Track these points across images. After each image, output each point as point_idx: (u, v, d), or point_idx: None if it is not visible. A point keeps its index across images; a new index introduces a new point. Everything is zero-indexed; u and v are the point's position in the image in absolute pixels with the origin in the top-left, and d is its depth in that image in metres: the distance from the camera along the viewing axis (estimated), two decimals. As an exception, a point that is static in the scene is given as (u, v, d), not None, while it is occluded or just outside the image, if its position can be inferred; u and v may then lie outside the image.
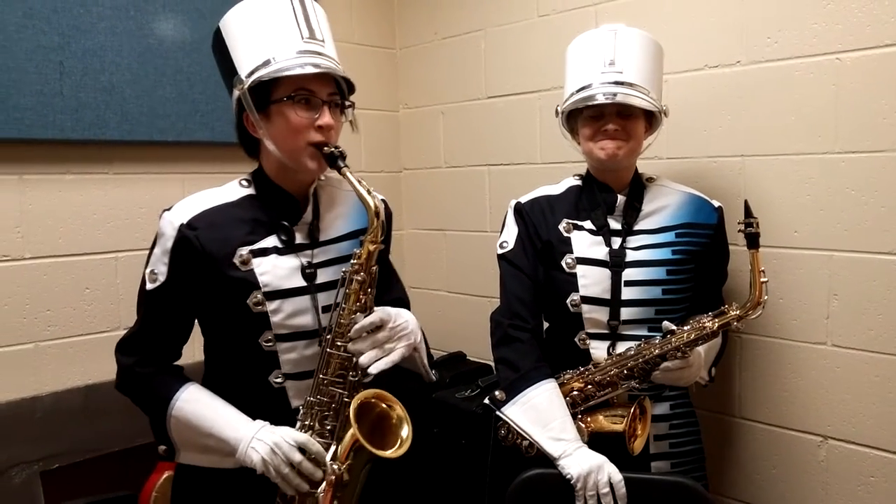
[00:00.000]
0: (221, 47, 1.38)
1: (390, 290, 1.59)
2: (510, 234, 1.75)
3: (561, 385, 1.64)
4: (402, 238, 2.89)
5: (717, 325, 1.56)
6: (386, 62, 2.85)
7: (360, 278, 1.35)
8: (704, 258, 1.71)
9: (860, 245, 1.74)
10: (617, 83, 1.61)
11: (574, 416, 1.61)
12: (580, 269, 1.66)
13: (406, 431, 1.34)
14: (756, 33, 1.87)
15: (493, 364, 2.58)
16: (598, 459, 1.51)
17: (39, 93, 1.97)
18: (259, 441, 1.30)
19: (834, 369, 1.80)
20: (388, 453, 1.31)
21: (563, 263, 1.67)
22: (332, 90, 1.37)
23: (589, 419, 1.63)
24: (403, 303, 1.59)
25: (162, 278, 1.35)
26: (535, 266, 1.71)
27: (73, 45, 2.02)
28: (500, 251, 1.76)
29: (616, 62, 1.62)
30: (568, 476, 1.50)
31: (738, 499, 2.01)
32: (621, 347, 1.64)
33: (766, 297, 1.55)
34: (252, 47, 1.34)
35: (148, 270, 1.37)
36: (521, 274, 1.71)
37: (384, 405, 1.37)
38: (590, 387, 1.63)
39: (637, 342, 1.62)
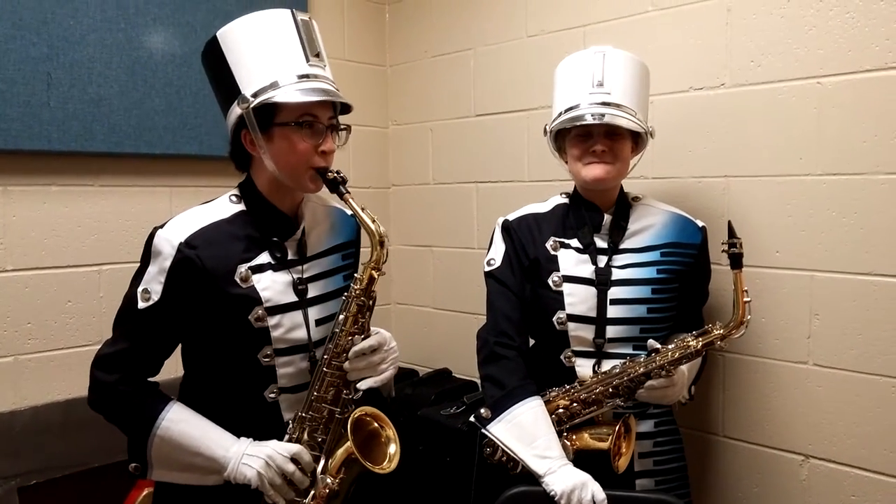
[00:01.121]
0: (220, 60, 1.37)
1: None
2: (497, 251, 1.76)
3: (546, 403, 1.64)
4: (389, 254, 2.89)
5: (701, 344, 1.58)
6: (376, 79, 2.87)
7: (359, 302, 1.39)
8: (688, 277, 1.73)
9: (841, 265, 1.76)
10: (605, 104, 1.63)
11: (559, 433, 1.61)
12: (566, 287, 1.67)
13: (394, 448, 1.38)
14: (740, 57, 1.91)
15: (478, 381, 2.58)
16: (583, 477, 1.51)
17: (26, 103, 1.96)
18: (251, 456, 1.32)
19: (815, 388, 1.82)
20: (379, 468, 1.34)
21: (550, 281, 1.68)
22: (332, 114, 1.40)
23: (574, 437, 1.64)
24: None
25: (156, 297, 1.33)
26: (521, 283, 1.72)
27: (61, 56, 2.01)
28: (487, 268, 1.76)
29: (604, 83, 1.64)
30: (552, 493, 1.49)
31: (721, 518, 2.01)
32: (606, 365, 1.64)
33: (749, 317, 1.56)
34: (257, 66, 1.34)
35: (140, 289, 1.35)
36: (507, 291, 1.71)
37: (376, 424, 1.40)
38: (575, 405, 1.63)
39: (622, 360, 1.63)
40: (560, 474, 1.51)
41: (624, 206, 1.75)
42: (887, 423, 1.72)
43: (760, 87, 1.88)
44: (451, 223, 2.70)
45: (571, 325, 1.66)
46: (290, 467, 1.31)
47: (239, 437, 1.37)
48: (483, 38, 2.54)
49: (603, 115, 1.62)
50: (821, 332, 1.81)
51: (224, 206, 1.43)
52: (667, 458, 1.73)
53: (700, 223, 1.77)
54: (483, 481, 2.19)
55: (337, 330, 1.39)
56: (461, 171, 2.65)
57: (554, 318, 1.67)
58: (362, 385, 1.38)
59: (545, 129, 1.75)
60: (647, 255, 1.69)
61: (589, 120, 1.63)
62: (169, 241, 1.33)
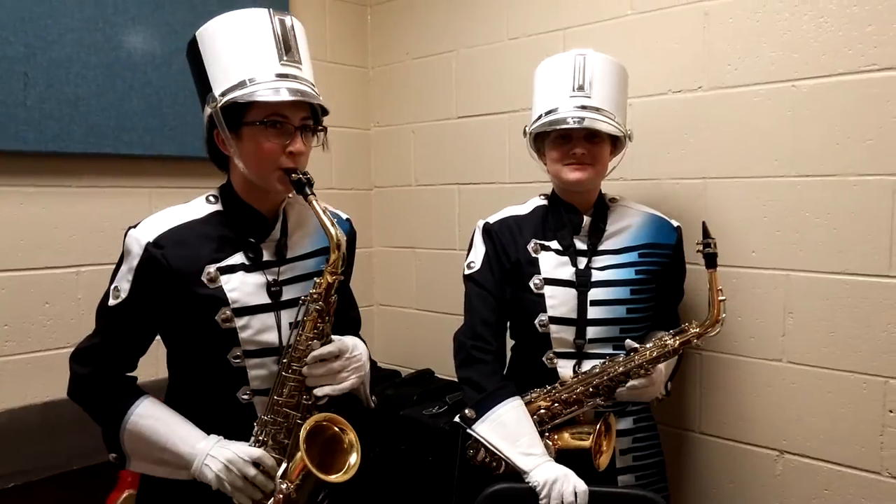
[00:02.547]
0: (196, 58, 1.37)
1: (346, 310, 1.59)
2: (477, 254, 1.76)
3: (528, 403, 1.65)
4: (371, 255, 2.90)
5: (678, 342, 1.60)
6: (358, 81, 2.87)
7: (317, 307, 1.36)
8: (664, 277, 1.75)
9: (814, 265, 1.80)
10: (584, 107, 1.65)
11: (541, 433, 1.63)
12: (548, 290, 1.68)
13: (354, 458, 1.35)
14: (717, 60, 1.94)
15: (460, 381, 2.59)
16: (564, 470, 1.53)
17: (2, 103, 1.94)
18: (212, 458, 1.32)
19: (789, 385, 1.86)
20: (332, 478, 1.32)
21: (531, 284, 1.69)
22: (306, 114, 1.37)
23: (556, 437, 1.65)
24: (356, 322, 1.61)
25: (124, 295, 1.34)
26: (501, 287, 1.73)
27: (38, 56, 1.99)
28: (467, 271, 1.76)
29: (585, 87, 1.66)
30: (534, 485, 1.51)
31: (698, 514, 2.04)
32: (587, 365, 1.66)
33: (724, 315, 1.60)
34: (228, 65, 1.33)
35: (112, 286, 1.37)
36: (487, 295, 1.72)
37: (336, 428, 1.37)
38: (556, 405, 1.65)
39: (602, 360, 1.65)
40: (543, 468, 1.54)
41: (602, 207, 1.77)
42: (858, 418, 1.76)
43: (737, 90, 1.91)
44: (433, 225, 2.71)
45: (553, 328, 1.67)
46: (251, 471, 1.31)
47: (212, 434, 1.37)
48: (464, 41, 2.55)
49: (583, 119, 1.63)
50: (795, 331, 1.84)
51: (199, 206, 1.42)
52: (646, 453, 1.76)
53: (675, 223, 1.79)
54: (465, 481, 2.21)
55: (297, 334, 1.37)
56: (443, 172, 2.66)
57: (536, 321, 1.68)
58: (319, 392, 1.36)
59: (525, 130, 1.76)
60: (626, 256, 1.72)
61: (570, 124, 1.64)
62: (138, 240, 1.34)
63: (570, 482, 1.51)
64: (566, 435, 1.65)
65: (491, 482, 1.59)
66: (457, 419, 1.68)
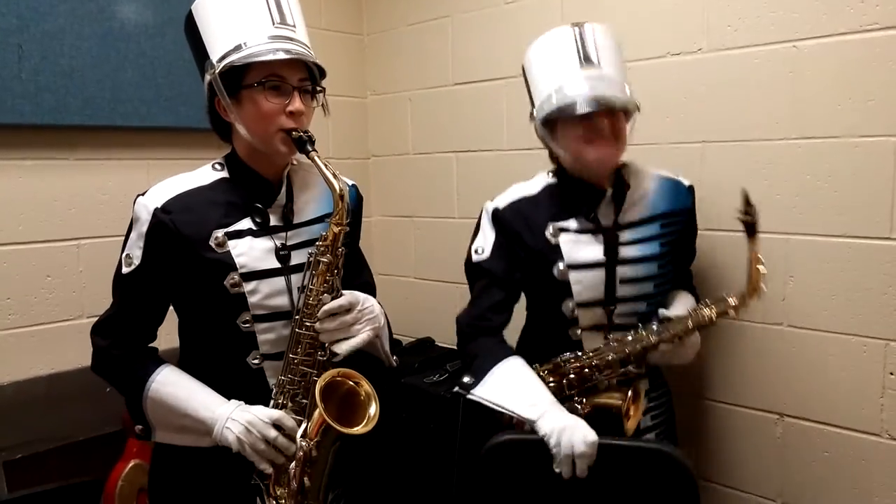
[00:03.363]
0: (193, 31, 1.38)
1: (359, 275, 1.61)
2: (486, 240, 1.67)
3: (556, 368, 1.62)
4: (370, 225, 2.90)
5: (715, 313, 1.57)
6: (353, 48, 2.84)
7: (326, 260, 1.37)
8: (682, 241, 1.73)
9: (815, 228, 1.79)
10: (601, 78, 1.54)
11: (570, 397, 1.59)
12: (572, 276, 1.61)
13: (374, 409, 1.37)
14: (717, 21, 1.91)
15: (461, 348, 2.60)
16: (573, 419, 1.46)
17: (-3, 76, 1.92)
18: (233, 421, 1.33)
19: (790, 349, 1.86)
20: (355, 430, 1.34)
21: (554, 272, 1.62)
22: (303, 76, 1.38)
23: (585, 401, 1.61)
24: (370, 287, 1.61)
25: (137, 262, 1.36)
26: (511, 273, 1.66)
27: (31, 27, 1.97)
28: (474, 258, 1.67)
29: (592, 58, 1.56)
30: (543, 434, 1.45)
31: (699, 476, 2.06)
32: (615, 335, 1.63)
33: (763, 286, 1.55)
34: (223, 32, 1.34)
35: (124, 255, 1.39)
36: (494, 285, 1.66)
37: (351, 382, 1.39)
38: (587, 370, 1.60)
39: (633, 328, 1.61)
40: (550, 416, 1.47)
41: (619, 177, 1.66)
42: (859, 380, 1.76)
43: (737, 51, 1.88)
44: (431, 193, 2.70)
45: (581, 311, 1.63)
46: (272, 433, 1.32)
47: (232, 399, 1.38)
48: (460, 6, 2.52)
49: (606, 97, 1.52)
50: (795, 294, 1.84)
51: (206, 173, 1.44)
52: (660, 411, 1.75)
53: (686, 182, 1.75)
54: (466, 448, 2.23)
55: (307, 290, 1.38)
56: (441, 140, 2.65)
57: (562, 307, 1.63)
58: (340, 349, 1.37)
59: (531, 115, 1.65)
60: (648, 227, 1.65)
61: (593, 106, 1.51)
62: (146, 206, 1.36)
63: (579, 430, 1.43)
64: (595, 398, 1.61)
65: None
66: (456, 388, 1.64)
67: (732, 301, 1.58)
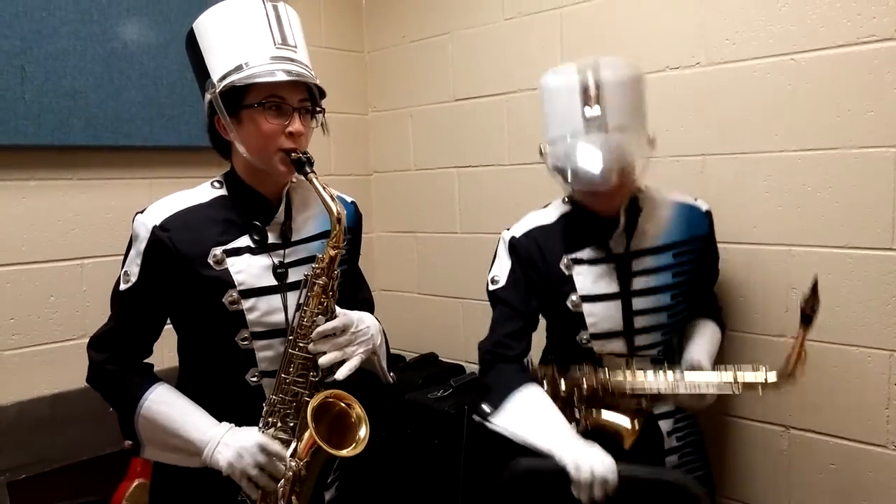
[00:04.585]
0: (195, 49, 1.39)
1: (357, 292, 1.61)
2: (503, 269, 1.68)
3: (572, 377, 1.60)
4: (372, 241, 2.90)
5: (741, 387, 1.54)
6: (355, 65, 2.86)
7: (321, 282, 1.37)
8: (700, 268, 1.72)
9: (817, 240, 1.79)
10: (606, 129, 1.48)
11: (577, 409, 1.60)
12: (586, 308, 1.61)
13: (364, 431, 1.36)
14: (715, 35, 1.92)
15: (464, 364, 2.61)
16: (589, 446, 1.46)
17: (0, 98, 1.94)
18: (224, 445, 1.33)
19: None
20: (344, 453, 1.33)
21: (568, 304, 1.62)
22: (304, 96, 1.39)
23: (588, 413, 1.61)
24: (369, 304, 1.62)
25: (134, 279, 1.37)
26: (527, 301, 1.66)
27: (34, 49, 1.99)
28: (491, 287, 1.69)
29: (600, 111, 1.48)
30: (563, 464, 1.44)
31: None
32: (635, 362, 1.63)
33: (799, 373, 1.51)
34: (225, 51, 1.35)
35: (122, 271, 1.40)
36: (512, 313, 1.66)
37: (343, 404, 1.39)
38: (600, 390, 1.59)
39: (660, 365, 1.61)
40: (569, 445, 1.47)
41: (634, 207, 1.64)
42: (864, 392, 1.76)
43: (736, 64, 1.89)
44: (433, 208, 2.71)
45: (597, 342, 1.63)
46: (262, 458, 1.31)
47: (223, 421, 1.38)
48: (460, 22, 2.53)
49: (605, 169, 1.47)
50: (797, 306, 1.83)
51: (205, 191, 1.44)
52: (686, 433, 1.74)
53: (704, 207, 1.73)
54: (471, 464, 2.22)
55: (301, 311, 1.38)
56: (442, 156, 2.66)
57: (577, 337, 1.64)
58: (338, 375, 1.37)
59: (540, 150, 1.61)
60: (660, 258, 1.64)
61: (597, 175, 1.47)
62: (144, 224, 1.36)
63: (598, 457, 1.43)
64: (602, 418, 1.61)
65: (499, 466, 1.55)
66: (475, 416, 1.63)
67: (764, 377, 1.53)
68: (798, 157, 1.81)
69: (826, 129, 1.76)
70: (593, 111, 1.49)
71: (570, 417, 1.58)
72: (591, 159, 1.49)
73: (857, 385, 1.76)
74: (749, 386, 1.54)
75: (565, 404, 1.58)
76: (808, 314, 1.50)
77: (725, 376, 1.55)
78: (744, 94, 1.88)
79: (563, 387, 1.62)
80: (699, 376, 1.57)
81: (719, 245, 1.80)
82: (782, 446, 1.90)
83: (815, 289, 1.49)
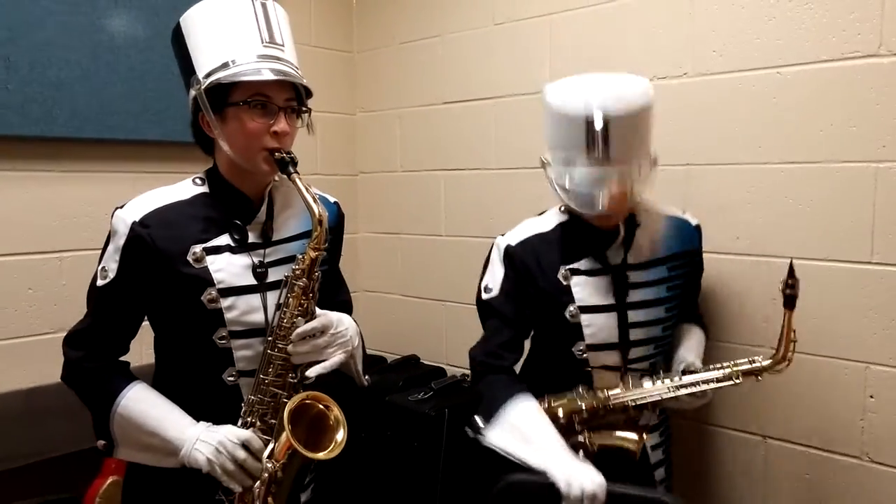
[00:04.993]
0: (181, 44, 1.38)
1: (337, 293, 1.60)
2: (495, 278, 1.66)
3: (569, 403, 1.60)
4: (357, 241, 2.89)
5: (741, 375, 1.58)
6: (343, 65, 2.86)
7: (301, 284, 1.36)
8: (690, 282, 1.74)
9: (797, 251, 1.80)
10: (609, 162, 1.48)
11: (578, 432, 1.59)
12: (584, 319, 1.61)
13: (341, 434, 1.35)
14: (702, 46, 1.94)
15: (445, 367, 2.61)
16: (579, 463, 1.47)
17: (-17, 87, 1.92)
18: (203, 442, 1.32)
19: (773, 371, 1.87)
20: (320, 456, 1.32)
21: (566, 314, 1.61)
22: (290, 96, 1.38)
23: (592, 438, 1.61)
24: (347, 305, 1.61)
25: (112, 275, 1.35)
26: (520, 311, 1.65)
27: (20, 39, 1.97)
28: (483, 296, 1.67)
29: (603, 149, 1.47)
30: (553, 480, 1.44)
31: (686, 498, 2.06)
32: (630, 375, 1.63)
33: (791, 355, 1.56)
34: (211, 48, 1.34)
35: (100, 267, 1.38)
36: (503, 323, 1.65)
37: (321, 406, 1.38)
38: (600, 410, 1.59)
39: (654, 375, 1.61)
40: (561, 461, 1.47)
41: (633, 221, 1.65)
42: (838, 403, 1.78)
43: (721, 76, 1.91)
44: (419, 211, 2.71)
45: (591, 354, 1.62)
46: (241, 454, 1.31)
47: (200, 420, 1.37)
48: (450, 26, 2.54)
49: (605, 200, 1.49)
50: (778, 317, 1.81)
51: (186, 188, 1.43)
52: (666, 445, 1.77)
53: (694, 222, 1.74)
54: (450, 466, 2.22)
55: (281, 312, 1.37)
56: (429, 158, 2.66)
57: (573, 349, 1.63)
58: (311, 372, 1.36)
59: (541, 160, 1.61)
60: (656, 271, 1.65)
61: (598, 203, 1.49)
62: (124, 220, 1.35)
63: (588, 474, 1.43)
64: (607, 439, 1.60)
65: (478, 470, 1.57)
66: (467, 429, 1.62)
67: (761, 363, 1.58)
68: (780, 169, 1.83)
69: (809, 143, 1.78)
70: (596, 149, 1.48)
71: (573, 444, 1.56)
72: (591, 188, 1.50)
73: (833, 396, 1.78)
74: (748, 374, 1.58)
75: (565, 431, 1.57)
76: (790, 295, 1.53)
77: (724, 370, 1.58)
78: (729, 105, 1.90)
79: (560, 414, 1.60)
80: (698, 376, 1.59)
81: (714, 256, 1.82)
82: (760, 455, 1.92)
83: (791, 270, 1.52)
